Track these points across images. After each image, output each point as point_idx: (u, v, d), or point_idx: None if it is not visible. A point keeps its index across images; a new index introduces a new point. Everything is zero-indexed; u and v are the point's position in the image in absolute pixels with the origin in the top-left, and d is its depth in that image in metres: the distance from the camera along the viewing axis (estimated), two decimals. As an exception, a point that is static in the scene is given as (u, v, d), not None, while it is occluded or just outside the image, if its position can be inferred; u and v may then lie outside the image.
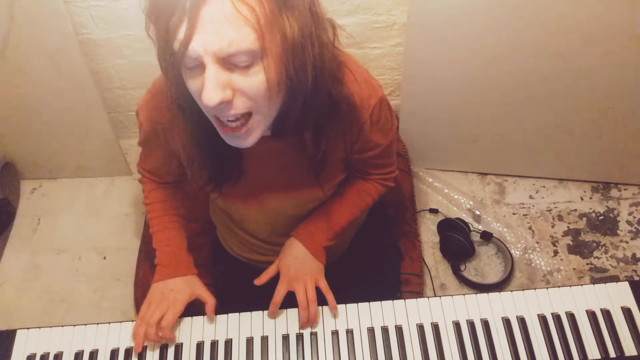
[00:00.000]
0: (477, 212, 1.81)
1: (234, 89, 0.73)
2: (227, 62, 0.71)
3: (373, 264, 1.33)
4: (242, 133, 0.79)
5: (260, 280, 1.09)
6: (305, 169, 0.99)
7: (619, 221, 1.78)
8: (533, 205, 1.82)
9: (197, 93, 0.74)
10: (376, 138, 1.01)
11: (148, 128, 1.00)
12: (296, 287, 1.05)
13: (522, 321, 1.03)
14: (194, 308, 1.10)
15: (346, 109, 0.92)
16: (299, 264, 1.08)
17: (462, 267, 1.69)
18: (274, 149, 0.95)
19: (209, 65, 0.70)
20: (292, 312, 1.07)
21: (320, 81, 0.81)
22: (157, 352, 1.04)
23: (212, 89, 0.71)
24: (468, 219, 1.79)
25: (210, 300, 1.09)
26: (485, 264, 1.72)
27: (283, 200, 1.08)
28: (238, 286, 1.22)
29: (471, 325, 1.03)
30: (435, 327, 1.03)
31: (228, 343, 1.04)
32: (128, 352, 1.04)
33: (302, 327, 1.04)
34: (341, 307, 1.06)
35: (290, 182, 1.04)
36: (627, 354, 0.99)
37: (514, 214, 1.81)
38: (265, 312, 1.07)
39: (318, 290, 1.07)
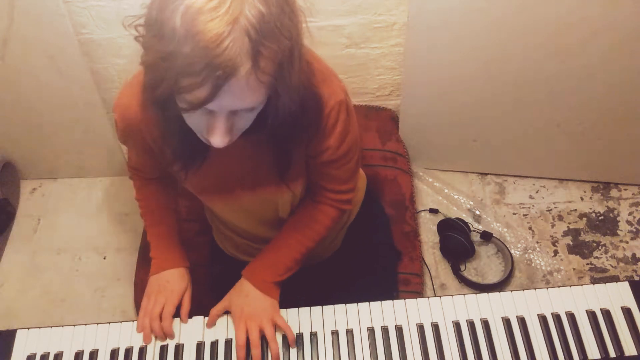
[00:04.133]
0: (477, 212, 1.81)
1: (234, 127, 0.78)
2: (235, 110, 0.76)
3: (368, 263, 1.33)
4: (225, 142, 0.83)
5: (210, 323, 1.07)
6: (269, 165, 0.99)
7: (619, 221, 1.78)
8: (533, 205, 1.82)
9: (198, 128, 0.79)
10: (331, 142, 0.98)
11: (122, 125, 1.01)
12: (250, 326, 1.03)
13: (522, 321, 1.03)
14: (193, 308, 1.10)
15: (307, 108, 0.91)
16: (251, 302, 1.06)
17: (462, 267, 1.69)
18: (238, 143, 0.91)
19: (220, 117, 0.75)
20: (292, 313, 1.07)
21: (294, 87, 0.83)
22: (157, 352, 1.04)
23: (221, 136, 0.76)
24: (468, 219, 1.79)
25: (186, 305, 1.10)
26: (485, 264, 1.72)
27: (254, 197, 1.07)
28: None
29: (471, 325, 1.03)
30: (435, 327, 1.03)
31: (228, 343, 1.04)
32: (128, 352, 1.04)
33: None
34: (341, 307, 1.06)
35: (257, 178, 1.04)
36: (627, 354, 0.99)
37: (514, 214, 1.81)
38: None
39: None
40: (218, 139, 0.77)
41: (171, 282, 1.11)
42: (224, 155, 0.97)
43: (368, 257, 1.33)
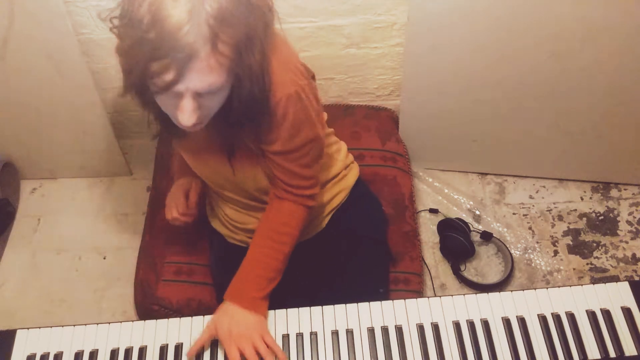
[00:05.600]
0: (477, 212, 1.81)
1: (201, 107, 0.86)
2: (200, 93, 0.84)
3: (352, 257, 1.31)
4: (196, 126, 0.91)
5: (191, 353, 1.04)
6: (217, 146, 1.06)
7: (619, 221, 1.78)
8: (533, 205, 1.82)
9: (168, 109, 0.88)
10: (281, 133, 1.00)
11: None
12: (243, 346, 1.01)
13: (522, 321, 1.03)
14: (193, 308, 1.10)
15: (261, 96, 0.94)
16: (238, 322, 1.03)
17: (462, 267, 1.69)
18: None
19: (187, 98, 0.83)
20: (292, 312, 1.07)
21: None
22: (157, 352, 1.04)
23: (189, 116, 0.85)
24: (468, 219, 1.79)
25: (191, 196, 1.24)
26: (485, 264, 1.72)
27: (213, 163, 1.12)
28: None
29: (471, 325, 1.03)
30: (435, 327, 1.03)
31: (228, 343, 1.04)
32: (128, 352, 1.04)
33: None
34: (341, 307, 1.07)
35: (211, 154, 1.09)
36: (627, 354, 0.99)
37: (514, 214, 1.81)
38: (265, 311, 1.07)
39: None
40: (185, 118, 0.85)
41: (185, 184, 1.26)
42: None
43: (353, 251, 1.32)
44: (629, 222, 1.78)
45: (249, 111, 0.92)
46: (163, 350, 1.04)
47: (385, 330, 1.03)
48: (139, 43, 0.78)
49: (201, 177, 1.22)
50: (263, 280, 1.08)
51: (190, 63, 0.78)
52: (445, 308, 1.05)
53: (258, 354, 1.01)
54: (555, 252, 1.73)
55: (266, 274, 1.08)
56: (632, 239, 1.75)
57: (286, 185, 1.10)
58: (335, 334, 1.04)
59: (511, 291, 1.07)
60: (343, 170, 1.32)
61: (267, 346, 1.02)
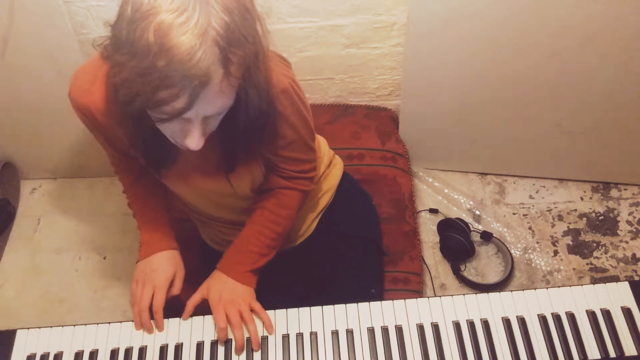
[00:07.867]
0: (477, 212, 1.81)
1: (207, 128, 0.84)
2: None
3: (344, 256, 1.30)
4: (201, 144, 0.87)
5: (187, 314, 1.08)
6: (216, 160, 1.02)
7: (619, 221, 1.78)
8: (533, 205, 1.83)
9: (173, 135, 0.85)
10: (284, 130, 1.00)
11: (79, 114, 1.01)
12: (230, 310, 1.05)
13: (522, 321, 1.03)
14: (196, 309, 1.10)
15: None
16: (230, 289, 1.09)
17: (462, 267, 1.69)
18: None
19: (195, 122, 0.81)
20: (292, 312, 1.07)
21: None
22: (157, 352, 1.04)
23: (198, 140, 0.83)
24: (468, 219, 1.79)
25: (176, 287, 1.11)
26: (485, 264, 1.72)
27: (206, 184, 1.09)
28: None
29: (471, 325, 1.03)
30: (435, 327, 1.03)
31: (228, 343, 1.04)
32: (128, 352, 1.04)
33: (238, 349, 1.03)
34: (341, 307, 1.06)
35: (206, 170, 1.06)
36: (627, 354, 0.99)
37: (514, 214, 1.81)
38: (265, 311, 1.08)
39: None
40: (194, 143, 0.82)
41: (157, 271, 1.11)
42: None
43: (343, 252, 1.31)
44: (629, 222, 1.78)
45: (255, 122, 0.90)
46: (163, 350, 1.04)
47: (385, 330, 1.03)
48: (146, 72, 0.72)
49: (192, 203, 1.19)
50: (255, 256, 1.12)
51: (203, 90, 0.74)
52: (445, 308, 1.05)
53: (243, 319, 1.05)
54: (555, 252, 1.73)
55: (259, 250, 1.12)
56: (632, 239, 1.75)
57: (290, 171, 1.11)
58: (335, 334, 1.04)
59: (511, 291, 1.07)
60: (326, 169, 1.31)
61: (255, 311, 1.06)
